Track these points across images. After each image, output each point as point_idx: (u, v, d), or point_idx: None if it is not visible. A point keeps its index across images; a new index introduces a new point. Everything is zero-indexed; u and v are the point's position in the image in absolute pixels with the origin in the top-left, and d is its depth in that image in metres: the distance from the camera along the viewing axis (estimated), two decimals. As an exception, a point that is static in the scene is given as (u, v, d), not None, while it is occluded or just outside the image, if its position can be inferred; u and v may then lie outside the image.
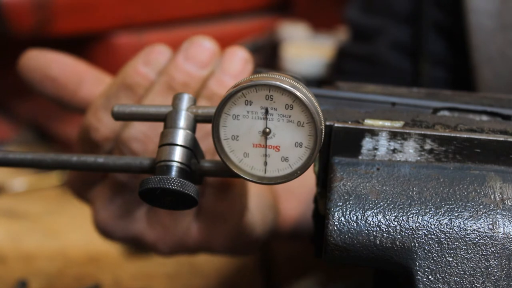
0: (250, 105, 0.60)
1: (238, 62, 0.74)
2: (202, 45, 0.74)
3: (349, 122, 0.63)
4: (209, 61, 0.74)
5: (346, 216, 0.59)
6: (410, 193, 0.60)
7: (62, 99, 0.79)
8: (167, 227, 0.76)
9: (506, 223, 0.58)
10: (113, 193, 0.75)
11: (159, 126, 0.66)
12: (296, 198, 0.88)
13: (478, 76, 1.07)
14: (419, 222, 0.59)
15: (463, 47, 1.08)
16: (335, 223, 0.59)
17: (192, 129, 0.64)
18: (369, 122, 0.64)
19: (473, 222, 0.59)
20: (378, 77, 1.16)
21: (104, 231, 0.77)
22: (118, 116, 0.66)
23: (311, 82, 0.79)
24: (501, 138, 0.62)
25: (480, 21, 1.05)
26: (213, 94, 0.72)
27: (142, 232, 0.76)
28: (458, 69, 1.12)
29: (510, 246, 0.58)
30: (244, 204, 0.75)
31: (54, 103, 0.80)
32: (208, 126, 0.64)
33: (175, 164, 0.62)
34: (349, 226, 0.59)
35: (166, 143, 0.63)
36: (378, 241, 0.59)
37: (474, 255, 0.58)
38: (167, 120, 0.64)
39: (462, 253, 0.58)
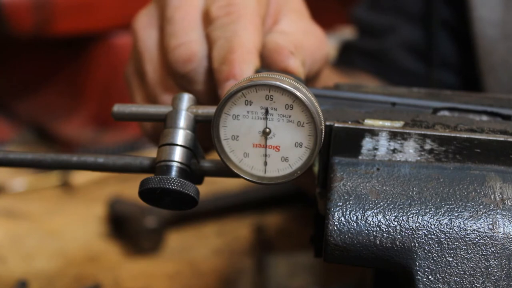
0: (250, 105, 0.60)
1: None
2: None
3: (349, 122, 0.63)
4: None
5: (346, 216, 0.59)
6: (410, 193, 0.60)
7: None
8: None
9: (506, 223, 0.58)
10: None
11: None
12: None
13: (484, 85, 1.06)
14: (419, 222, 0.59)
15: (472, 53, 1.08)
16: (335, 223, 0.59)
17: (192, 129, 0.64)
18: (369, 122, 0.64)
19: (473, 222, 0.59)
20: (384, 74, 1.15)
21: None
22: (117, 116, 0.66)
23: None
24: (501, 138, 0.62)
25: (484, 30, 1.04)
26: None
27: None
28: (468, 75, 1.12)
29: (510, 246, 0.58)
30: None
31: None
32: None
33: (175, 164, 0.62)
34: (349, 226, 0.59)
35: (166, 143, 0.63)
36: (378, 241, 0.59)
37: (474, 255, 0.58)
38: (167, 120, 0.64)
39: (462, 253, 0.58)
